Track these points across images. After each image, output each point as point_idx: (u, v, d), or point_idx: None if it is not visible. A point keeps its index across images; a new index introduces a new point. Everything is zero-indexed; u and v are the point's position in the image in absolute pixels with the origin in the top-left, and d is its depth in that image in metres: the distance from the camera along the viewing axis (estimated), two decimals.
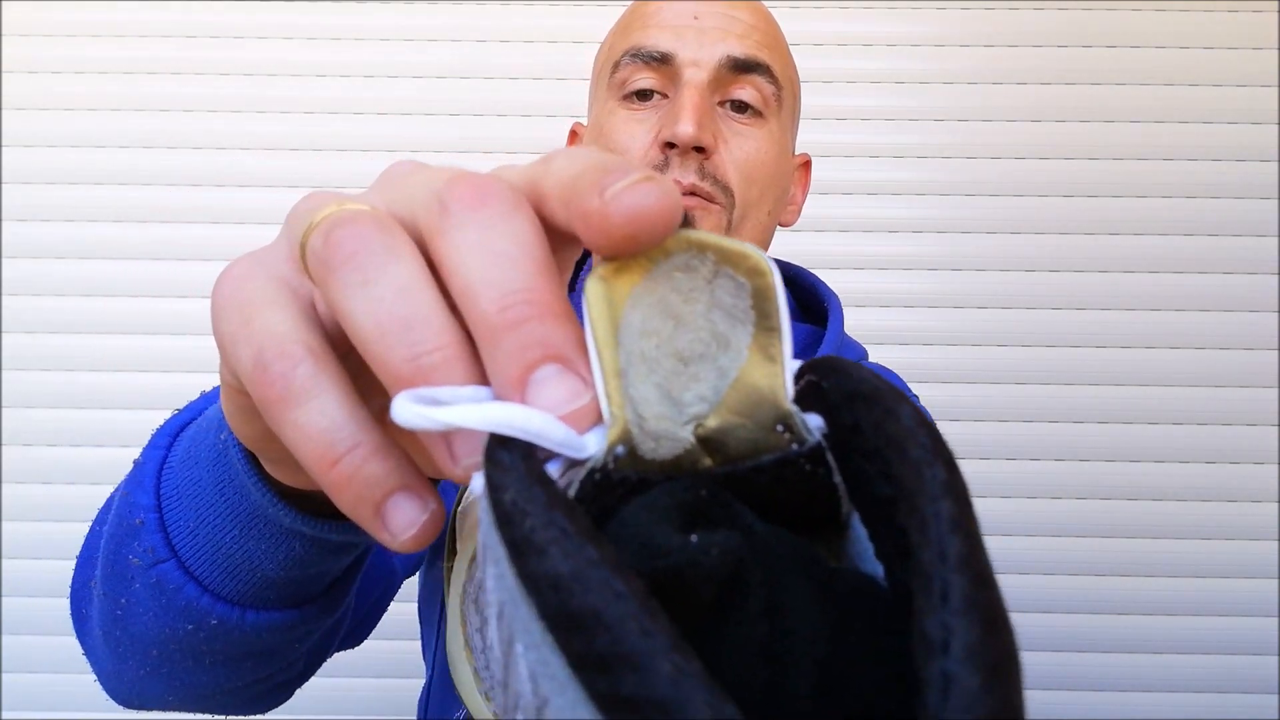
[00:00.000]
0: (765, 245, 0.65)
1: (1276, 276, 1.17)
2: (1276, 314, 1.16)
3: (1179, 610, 1.15)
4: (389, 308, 0.19)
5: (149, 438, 0.36)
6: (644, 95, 0.60)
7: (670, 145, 0.57)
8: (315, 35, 1.19)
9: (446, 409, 0.19)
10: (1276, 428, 1.16)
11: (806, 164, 0.70)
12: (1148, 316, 1.17)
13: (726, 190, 0.59)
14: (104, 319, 1.17)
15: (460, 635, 0.25)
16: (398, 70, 1.18)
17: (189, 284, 1.17)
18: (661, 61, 0.59)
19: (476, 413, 0.18)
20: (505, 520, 0.16)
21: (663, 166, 0.58)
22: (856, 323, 1.17)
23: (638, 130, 0.59)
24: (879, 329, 1.17)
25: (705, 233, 0.20)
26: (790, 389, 0.20)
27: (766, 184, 0.61)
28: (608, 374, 0.19)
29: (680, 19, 0.60)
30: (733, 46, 0.59)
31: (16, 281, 1.18)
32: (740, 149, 0.60)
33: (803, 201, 0.70)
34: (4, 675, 1.14)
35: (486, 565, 0.18)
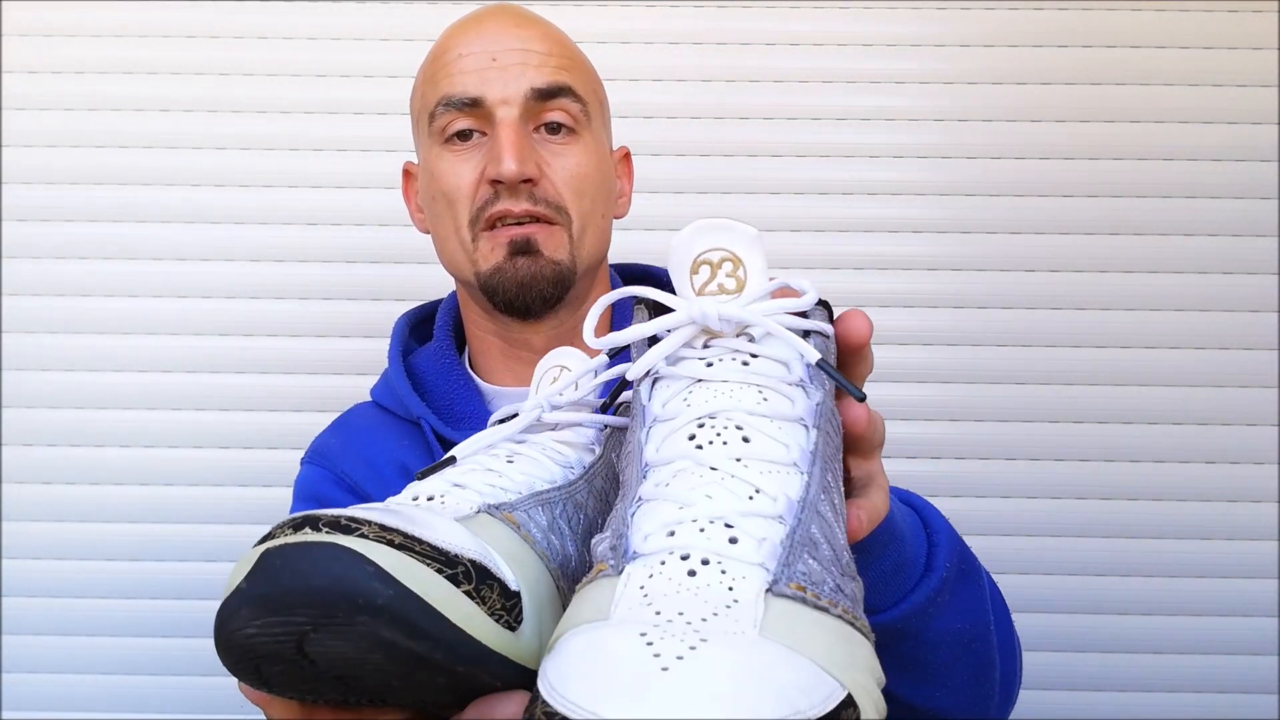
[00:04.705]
0: (606, 244, 0.69)
1: (1276, 276, 1.16)
2: (1276, 314, 1.16)
3: (1179, 610, 1.15)
4: None
5: None
6: (464, 135, 0.65)
7: (498, 181, 0.62)
8: (315, 35, 1.19)
9: None
10: (1276, 428, 1.16)
11: (626, 156, 0.74)
12: (1148, 316, 1.17)
13: (562, 210, 0.64)
14: (104, 319, 1.17)
15: None
16: (398, 70, 1.18)
17: (189, 284, 1.18)
18: (473, 105, 0.63)
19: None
20: None
21: (493, 200, 0.63)
22: None
23: (464, 169, 0.64)
24: (879, 329, 1.17)
25: None
26: None
27: (596, 193, 0.66)
28: None
29: (481, 63, 0.63)
30: (534, 78, 0.63)
31: (16, 281, 1.18)
32: (564, 168, 0.64)
33: (630, 191, 0.73)
34: (4, 675, 1.14)
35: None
